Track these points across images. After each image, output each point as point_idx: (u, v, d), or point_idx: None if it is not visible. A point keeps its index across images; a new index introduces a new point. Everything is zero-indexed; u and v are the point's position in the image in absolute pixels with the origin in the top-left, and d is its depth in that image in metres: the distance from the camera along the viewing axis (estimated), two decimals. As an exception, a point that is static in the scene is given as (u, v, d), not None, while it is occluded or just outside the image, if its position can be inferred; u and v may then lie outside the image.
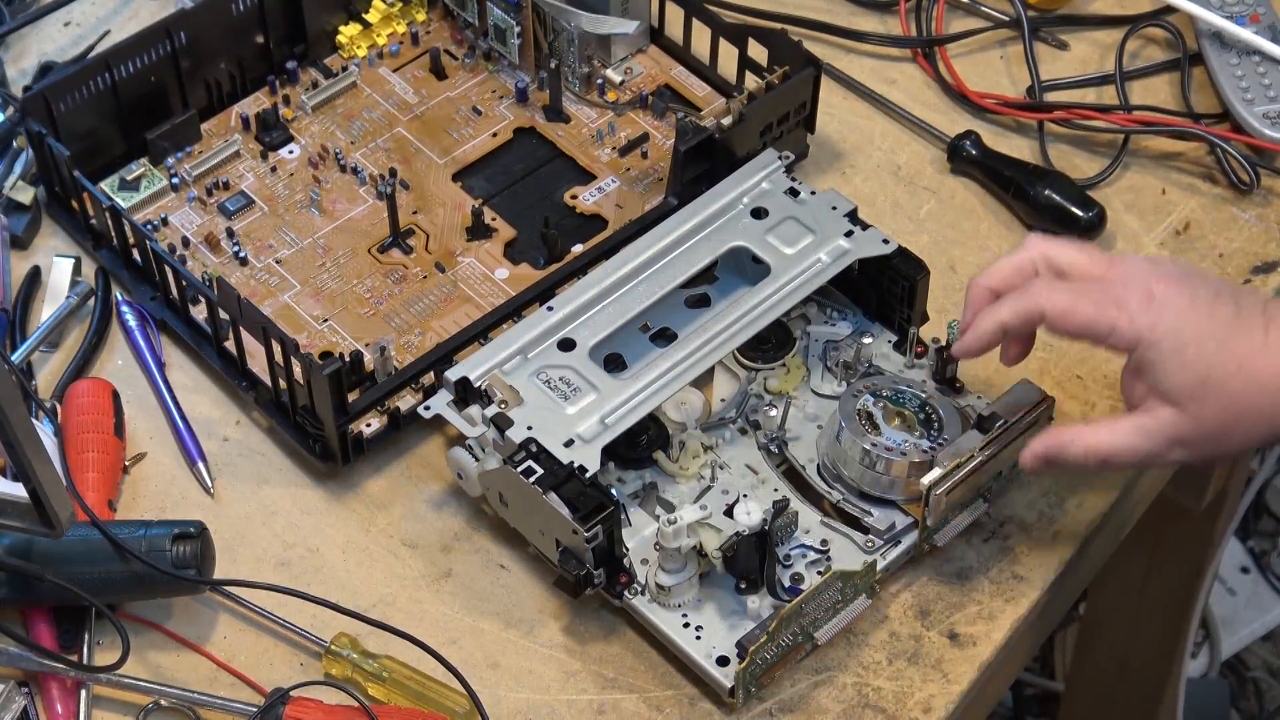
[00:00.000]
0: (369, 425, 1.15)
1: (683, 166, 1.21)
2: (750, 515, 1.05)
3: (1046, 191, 1.26)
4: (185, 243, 1.23)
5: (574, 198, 1.26)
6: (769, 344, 1.17)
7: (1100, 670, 1.93)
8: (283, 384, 1.13)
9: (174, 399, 1.18)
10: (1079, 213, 1.25)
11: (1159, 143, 1.31)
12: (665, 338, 1.16)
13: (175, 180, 1.26)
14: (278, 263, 1.23)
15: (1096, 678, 1.94)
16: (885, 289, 1.17)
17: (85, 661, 1.07)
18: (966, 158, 1.29)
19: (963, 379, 1.15)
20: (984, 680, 1.09)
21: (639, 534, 1.10)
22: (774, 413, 1.13)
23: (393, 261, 1.23)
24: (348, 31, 1.33)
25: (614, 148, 1.29)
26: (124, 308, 1.21)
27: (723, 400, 1.16)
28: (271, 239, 1.24)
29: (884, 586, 1.10)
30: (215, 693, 1.06)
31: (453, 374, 1.10)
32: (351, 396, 1.12)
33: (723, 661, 1.05)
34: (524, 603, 1.10)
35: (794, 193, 1.18)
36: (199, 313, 1.19)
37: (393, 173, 1.27)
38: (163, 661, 1.08)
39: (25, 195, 1.26)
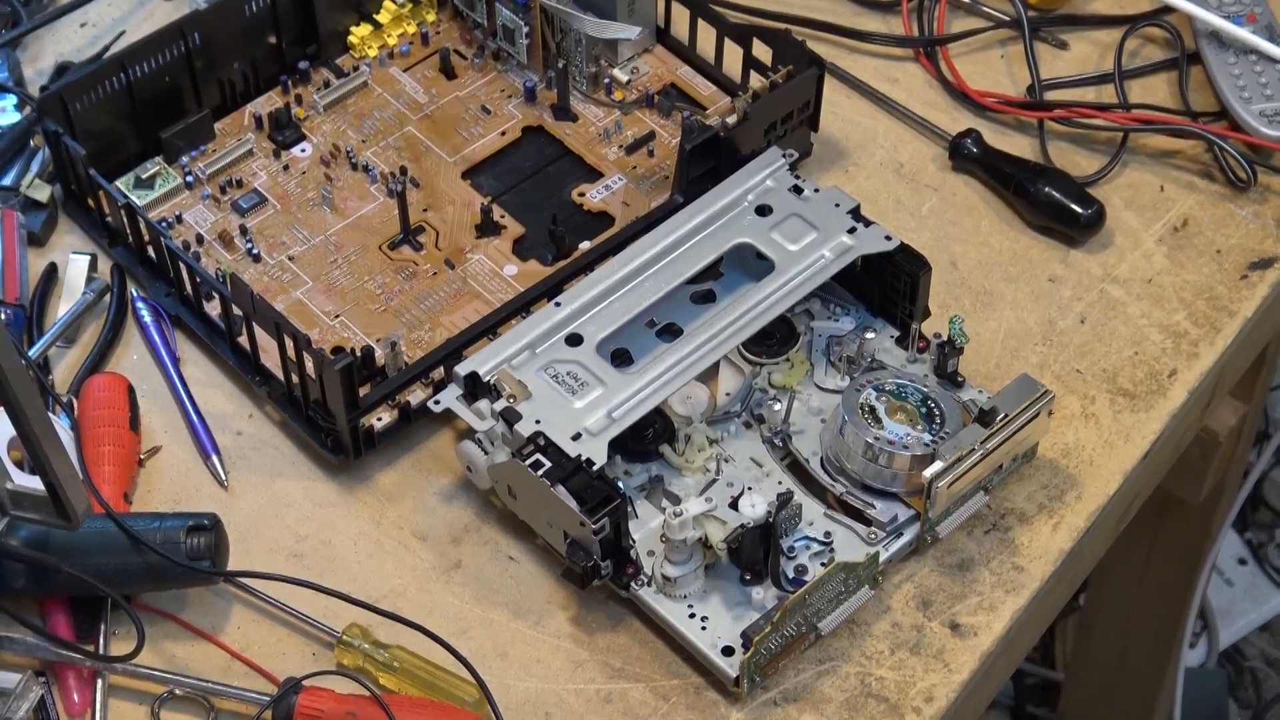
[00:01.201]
0: (380, 419, 1.15)
1: (688, 164, 1.21)
2: (755, 508, 1.06)
3: (1046, 189, 1.26)
4: (199, 240, 1.24)
5: (581, 195, 1.27)
6: (773, 339, 1.17)
7: (1100, 660, 1.94)
8: (295, 379, 1.14)
9: (188, 393, 1.18)
10: (1078, 210, 1.25)
11: (1158, 141, 1.32)
12: (671, 333, 1.16)
13: (189, 178, 1.26)
14: (290, 259, 1.23)
15: (1096, 667, 1.95)
16: (888, 285, 1.17)
17: (101, 651, 1.07)
18: (968, 155, 1.30)
19: (964, 373, 1.15)
20: (985, 670, 1.09)
21: (645, 526, 1.10)
22: (778, 407, 1.14)
23: (403, 258, 1.23)
24: (359, 32, 1.34)
25: (621, 146, 1.30)
26: (139, 304, 1.22)
27: (728, 394, 1.16)
28: (284, 236, 1.24)
29: (886, 578, 1.10)
30: (229, 682, 1.06)
31: (462, 369, 1.10)
32: (363, 391, 1.12)
33: (728, 651, 1.06)
34: (532, 594, 1.11)
35: (798, 190, 1.19)
36: (213, 309, 1.20)
37: (403, 171, 1.27)
38: (177, 651, 1.08)
39: (42, 193, 1.26)
